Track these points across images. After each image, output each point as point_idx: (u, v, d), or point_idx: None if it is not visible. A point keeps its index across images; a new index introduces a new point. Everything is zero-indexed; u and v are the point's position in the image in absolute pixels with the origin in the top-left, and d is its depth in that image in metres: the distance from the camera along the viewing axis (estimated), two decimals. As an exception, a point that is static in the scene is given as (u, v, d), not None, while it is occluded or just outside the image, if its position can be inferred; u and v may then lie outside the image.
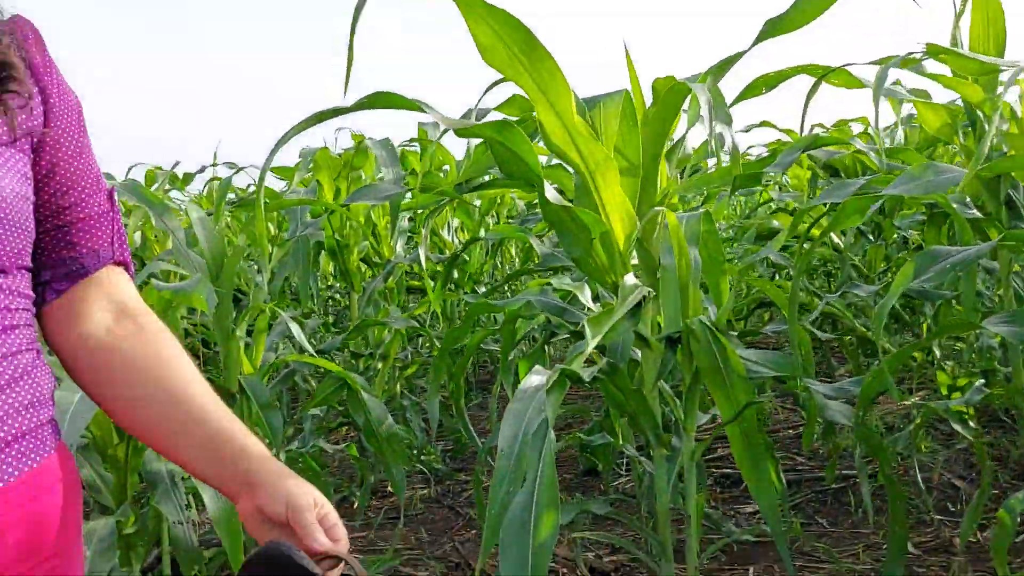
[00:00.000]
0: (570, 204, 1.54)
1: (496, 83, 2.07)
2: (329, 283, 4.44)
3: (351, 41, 1.27)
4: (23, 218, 0.82)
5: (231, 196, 3.89)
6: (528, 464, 1.24)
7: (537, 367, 1.31)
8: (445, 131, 2.01)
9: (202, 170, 4.69)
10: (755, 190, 4.75)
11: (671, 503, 1.73)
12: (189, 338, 3.53)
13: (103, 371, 0.90)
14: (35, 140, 0.86)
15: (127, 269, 0.96)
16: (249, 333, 2.17)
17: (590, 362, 1.58)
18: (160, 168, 4.24)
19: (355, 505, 2.78)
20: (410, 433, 3.14)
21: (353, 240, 3.05)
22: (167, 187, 4.14)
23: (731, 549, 2.34)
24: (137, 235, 3.37)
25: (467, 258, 4.24)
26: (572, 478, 3.17)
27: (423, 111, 1.34)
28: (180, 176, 4.55)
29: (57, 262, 0.89)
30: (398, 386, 3.43)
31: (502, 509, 1.12)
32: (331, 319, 4.08)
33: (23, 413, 0.82)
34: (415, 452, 3.16)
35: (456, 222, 4.44)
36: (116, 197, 0.97)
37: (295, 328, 2.00)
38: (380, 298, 3.29)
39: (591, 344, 1.36)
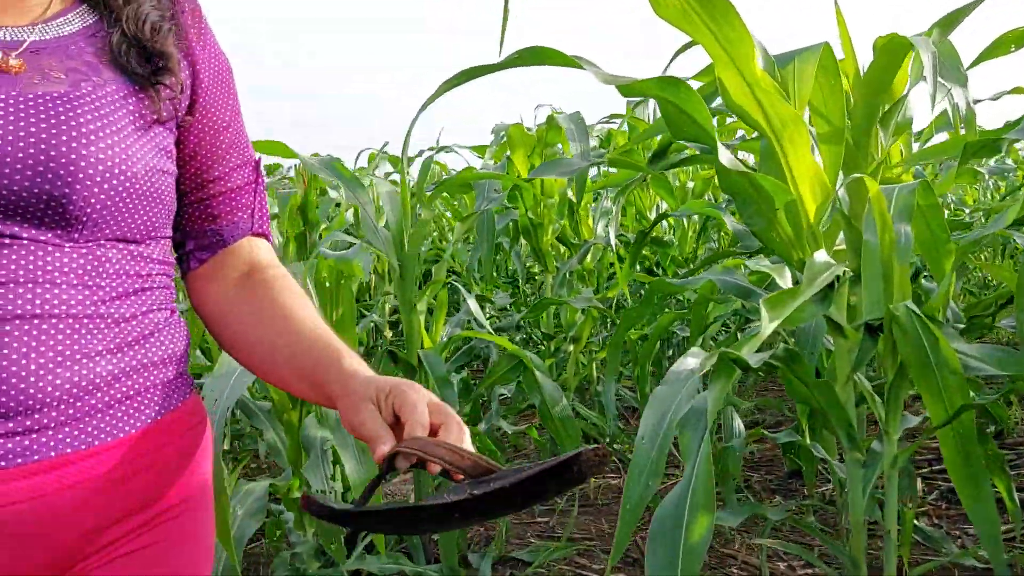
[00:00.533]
0: (751, 170, 1.38)
1: (685, 47, 1.93)
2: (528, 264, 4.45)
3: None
4: (160, 191, 0.84)
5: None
6: (686, 456, 1.12)
7: (694, 349, 1.18)
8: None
9: (420, 154, 4.91)
10: (1008, 169, 4.17)
11: (868, 515, 1.52)
12: (395, 314, 3.69)
13: (234, 327, 0.93)
14: (181, 117, 0.88)
15: (266, 239, 0.98)
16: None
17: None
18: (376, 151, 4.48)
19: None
20: (603, 420, 3.06)
21: (547, 219, 3.01)
22: (377, 168, 4.33)
23: (951, 574, 2.05)
24: (349, 213, 3.57)
25: (674, 240, 4.08)
26: (774, 480, 2.94)
27: (580, 67, 1.24)
28: (389, 156, 4.75)
29: (199, 233, 0.93)
30: (593, 369, 3.35)
31: (638, 504, 1.01)
32: (525, 298, 4.08)
33: (155, 367, 0.85)
34: (607, 439, 3.07)
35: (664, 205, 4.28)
36: (262, 168, 0.99)
37: (472, 304, 1.99)
38: (577, 279, 3.22)
39: (767, 328, 1.20)
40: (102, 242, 0.79)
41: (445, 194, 3.32)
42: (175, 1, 0.90)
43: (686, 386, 1.07)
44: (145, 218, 0.83)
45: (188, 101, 0.88)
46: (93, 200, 0.76)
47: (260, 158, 1.02)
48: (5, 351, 0.72)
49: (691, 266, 4.45)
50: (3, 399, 0.72)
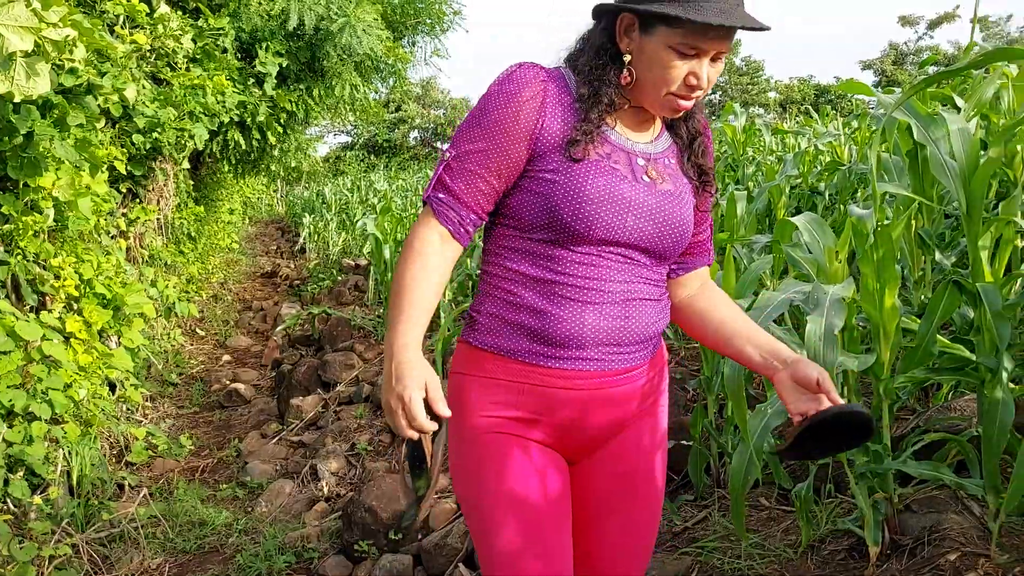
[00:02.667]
0: None
1: None
2: None
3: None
4: (686, 230, 1.50)
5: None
6: None
7: None
8: None
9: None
10: None
11: None
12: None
13: (692, 318, 1.62)
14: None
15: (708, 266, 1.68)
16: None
17: None
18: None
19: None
20: None
21: None
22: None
23: None
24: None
25: None
26: None
27: None
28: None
29: (680, 261, 1.62)
30: None
31: None
32: None
33: (648, 328, 1.48)
34: None
35: None
36: (711, 220, 1.68)
37: (1038, 241, 1.94)
38: None
39: None
40: (665, 263, 1.52)
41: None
42: (703, 130, 1.57)
43: None
44: (674, 251, 1.50)
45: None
46: (679, 246, 1.49)
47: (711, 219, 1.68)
48: (635, 313, 1.44)
49: None
50: (625, 338, 1.44)
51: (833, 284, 1.88)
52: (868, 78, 40.06)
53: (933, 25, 39.61)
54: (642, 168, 1.45)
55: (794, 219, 2.14)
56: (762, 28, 1.34)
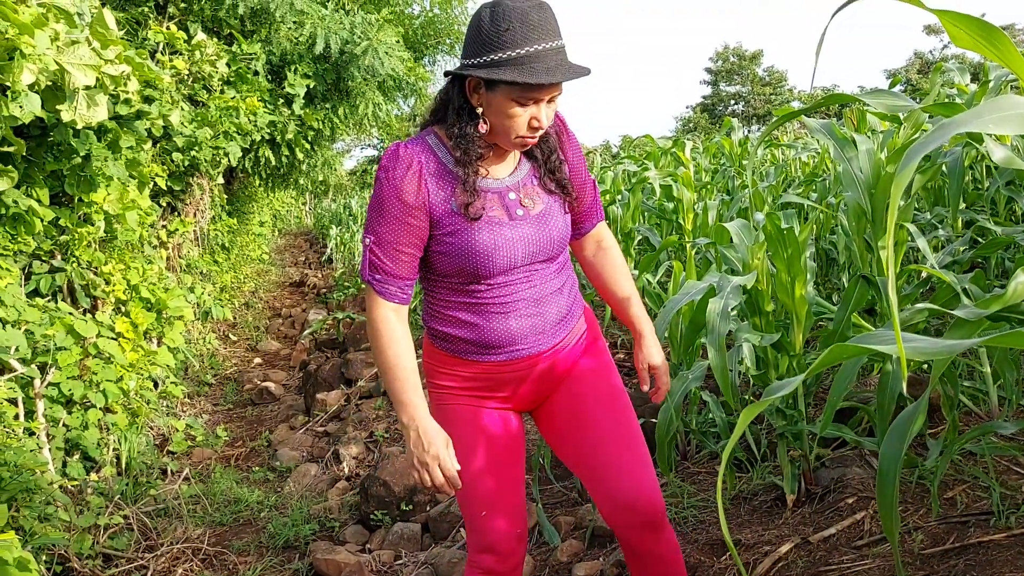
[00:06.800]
0: None
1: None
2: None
3: None
4: (565, 235, 1.84)
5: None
6: None
7: None
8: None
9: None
10: None
11: None
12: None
13: (593, 274, 2.02)
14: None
15: (602, 222, 2.02)
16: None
17: None
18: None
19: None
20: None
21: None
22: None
23: None
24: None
25: None
26: None
27: None
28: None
29: (574, 229, 1.97)
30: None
31: None
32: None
33: (560, 313, 1.86)
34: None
35: None
36: (596, 184, 2.00)
37: (921, 242, 2.33)
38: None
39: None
40: (558, 259, 1.86)
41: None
42: (559, 135, 1.88)
43: None
44: (560, 249, 1.85)
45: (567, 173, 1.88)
46: (564, 244, 1.84)
47: (595, 179, 1.96)
48: (547, 307, 1.82)
49: None
50: (544, 326, 1.82)
51: (746, 275, 2.31)
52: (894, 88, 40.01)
53: (957, 33, 39.47)
54: (515, 201, 1.76)
55: (727, 224, 2.57)
56: (584, 74, 1.62)
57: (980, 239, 3.37)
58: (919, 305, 1.72)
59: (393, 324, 1.76)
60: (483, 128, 1.69)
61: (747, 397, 3.04)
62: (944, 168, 2.65)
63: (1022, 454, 2.30)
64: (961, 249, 2.79)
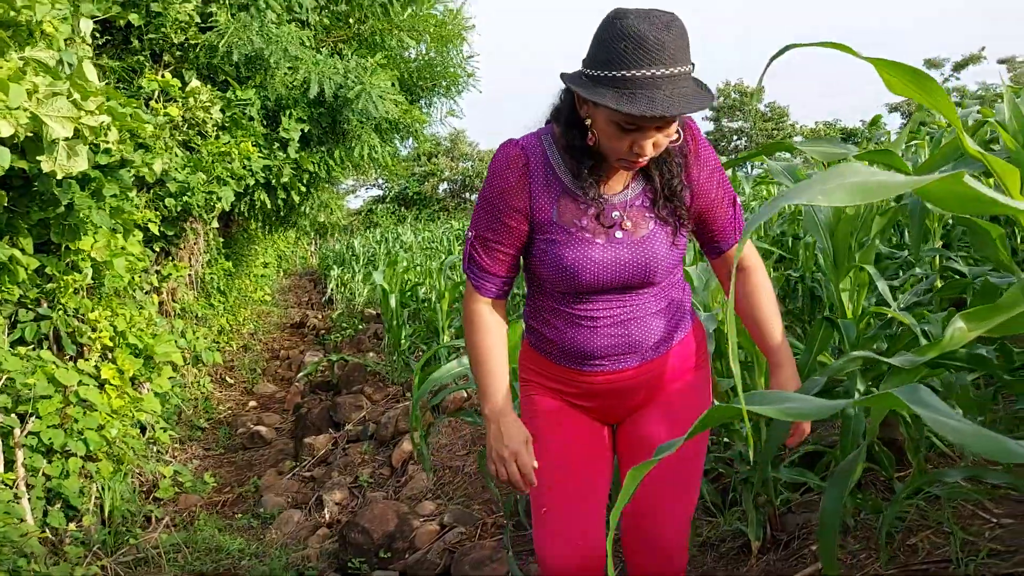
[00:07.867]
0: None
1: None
2: None
3: None
4: (668, 264, 1.74)
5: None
6: None
7: None
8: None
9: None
10: None
11: None
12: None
13: (736, 301, 1.83)
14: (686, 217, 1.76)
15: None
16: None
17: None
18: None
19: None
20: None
21: None
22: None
23: None
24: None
25: None
26: None
27: None
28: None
29: (709, 247, 1.85)
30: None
31: None
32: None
33: (650, 336, 1.78)
34: None
35: None
36: (738, 201, 1.82)
37: (881, 284, 2.32)
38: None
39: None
40: (659, 284, 1.76)
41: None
42: (687, 155, 1.73)
43: None
44: (664, 275, 1.76)
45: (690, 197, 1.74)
46: (659, 276, 1.72)
47: (736, 196, 1.79)
48: (635, 328, 1.75)
49: None
50: (632, 346, 1.76)
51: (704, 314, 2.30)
52: (895, 120, 40.23)
53: (959, 67, 39.81)
54: (617, 221, 1.68)
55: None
56: (697, 109, 1.44)
57: (956, 276, 3.35)
58: (854, 353, 1.70)
59: (486, 317, 1.79)
60: (591, 141, 1.61)
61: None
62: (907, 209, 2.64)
63: (987, 499, 2.26)
64: (924, 290, 2.77)
